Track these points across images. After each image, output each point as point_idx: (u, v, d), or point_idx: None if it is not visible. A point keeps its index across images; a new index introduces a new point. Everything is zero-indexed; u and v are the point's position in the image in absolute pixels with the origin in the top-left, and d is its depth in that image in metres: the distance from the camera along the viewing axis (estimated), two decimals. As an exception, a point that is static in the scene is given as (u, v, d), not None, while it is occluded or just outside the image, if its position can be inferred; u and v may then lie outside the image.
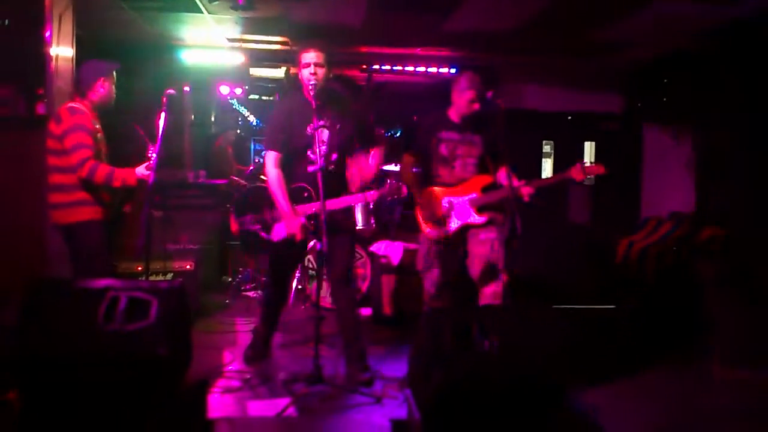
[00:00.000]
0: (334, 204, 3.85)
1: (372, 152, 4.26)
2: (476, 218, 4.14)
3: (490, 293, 4.05)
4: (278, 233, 4.04)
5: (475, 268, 4.16)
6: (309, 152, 3.95)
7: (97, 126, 4.05)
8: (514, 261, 4.08)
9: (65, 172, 3.91)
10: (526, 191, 4.03)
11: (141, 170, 3.92)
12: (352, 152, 4.27)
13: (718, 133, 6.08)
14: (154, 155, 3.87)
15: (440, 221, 4.14)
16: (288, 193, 3.93)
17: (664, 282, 5.54)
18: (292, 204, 3.92)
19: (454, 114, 4.24)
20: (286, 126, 3.99)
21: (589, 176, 4.06)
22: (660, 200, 6.99)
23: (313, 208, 3.88)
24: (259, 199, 4.15)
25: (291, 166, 4.01)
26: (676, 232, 6.04)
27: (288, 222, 3.90)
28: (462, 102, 4.15)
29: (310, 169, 3.93)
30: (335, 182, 3.96)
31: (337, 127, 3.98)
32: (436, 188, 4.23)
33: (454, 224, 4.15)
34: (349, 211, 4.27)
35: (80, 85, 4.08)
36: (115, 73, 4.13)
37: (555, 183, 4.23)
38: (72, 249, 4.00)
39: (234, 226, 4.19)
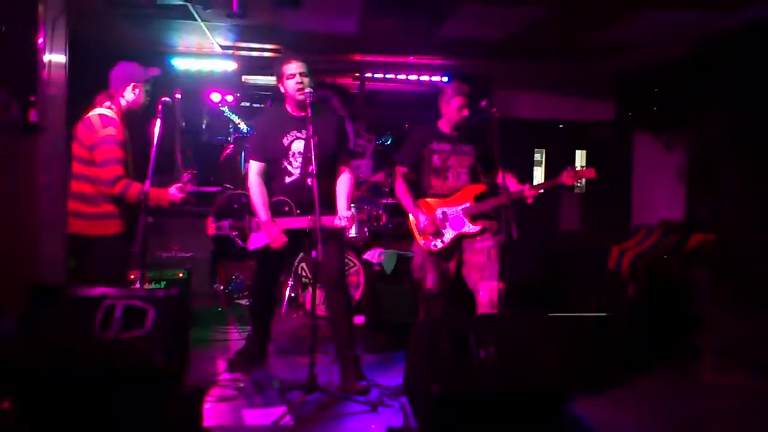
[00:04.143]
0: (300, 223, 3.86)
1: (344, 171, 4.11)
2: (470, 227, 4.16)
3: (487, 301, 4.07)
4: (254, 243, 4.04)
5: (471, 276, 4.17)
6: (285, 163, 3.98)
7: (126, 134, 3.89)
8: (506, 269, 4.10)
9: (92, 182, 3.77)
10: (530, 193, 4.05)
11: (173, 192, 3.85)
12: (335, 165, 4.10)
13: (708, 140, 6.13)
14: (189, 178, 3.85)
15: (434, 232, 4.15)
16: (270, 206, 3.94)
17: (656, 289, 5.57)
18: (273, 216, 3.93)
19: (444, 125, 4.27)
20: (264, 135, 4.04)
21: (580, 179, 4.10)
22: (650, 207, 7.03)
23: (293, 223, 3.88)
24: (240, 206, 4.10)
25: (271, 178, 4.03)
26: (667, 240, 6.08)
27: (267, 231, 3.92)
28: (451, 111, 4.18)
29: (287, 180, 3.98)
30: (311, 195, 3.83)
31: (316, 139, 3.92)
32: (428, 199, 4.25)
33: (449, 235, 4.17)
34: None
35: (110, 89, 3.91)
36: (150, 80, 3.98)
37: (547, 188, 4.27)
38: (91, 261, 3.83)
39: (210, 230, 4.13)
